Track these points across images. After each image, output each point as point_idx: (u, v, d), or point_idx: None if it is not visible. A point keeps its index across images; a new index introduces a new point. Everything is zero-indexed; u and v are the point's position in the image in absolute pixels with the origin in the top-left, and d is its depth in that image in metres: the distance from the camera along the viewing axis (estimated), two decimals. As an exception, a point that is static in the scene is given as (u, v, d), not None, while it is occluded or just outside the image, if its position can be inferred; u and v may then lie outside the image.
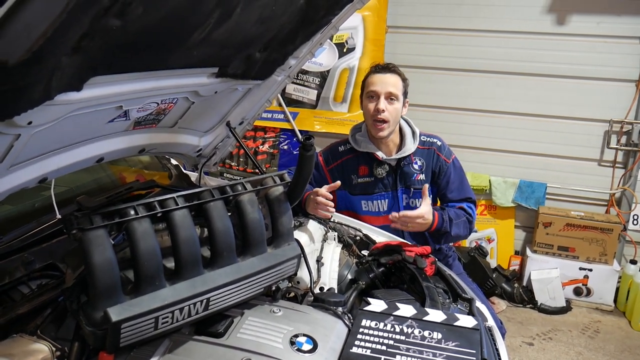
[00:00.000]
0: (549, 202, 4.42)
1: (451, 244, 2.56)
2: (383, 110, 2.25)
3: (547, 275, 4.15)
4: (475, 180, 4.45)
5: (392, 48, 4.60)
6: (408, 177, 2.38)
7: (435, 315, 1.49)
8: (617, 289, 4.16)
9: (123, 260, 1.25)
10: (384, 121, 2.26)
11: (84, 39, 0.99)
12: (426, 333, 1.41)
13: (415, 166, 2.38)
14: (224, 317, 1.41)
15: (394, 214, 2.13)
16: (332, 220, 2.16)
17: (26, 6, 0.80)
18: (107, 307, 1.17)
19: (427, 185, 2.23)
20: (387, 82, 2.28)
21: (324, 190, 2.07)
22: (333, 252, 1.93)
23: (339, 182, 2.09)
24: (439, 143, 2.42)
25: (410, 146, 2.36)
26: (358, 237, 2.14)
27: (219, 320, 1.39)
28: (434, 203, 2.45)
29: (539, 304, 4.09)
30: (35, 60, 0.90)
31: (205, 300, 1.33)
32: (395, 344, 1.37)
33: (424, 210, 2.16)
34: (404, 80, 2.34)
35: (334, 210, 2.07)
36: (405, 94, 2.34)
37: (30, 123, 1.17)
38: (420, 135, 2.41)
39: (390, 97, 2.27)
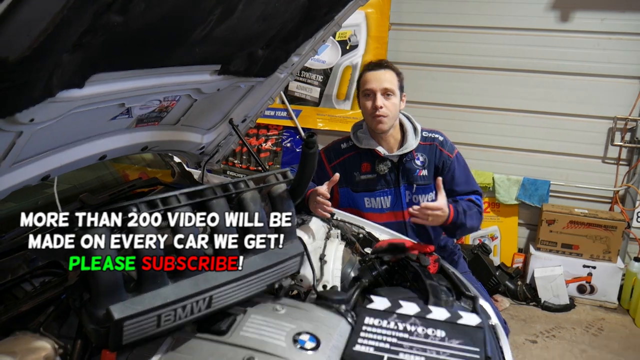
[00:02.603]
0: (552, 200, 4.41)
1: (455, 241, 2.55)
2: (381, 107, 2.25)
3: (551, 272, 4.14)
4: (479, 178, 4.43)
5: (395, 45, 4.58)
6: (410, 173, 2.37)
7: (439, 313, 1.49)
8: (621, 287, 4.15)
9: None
10: (383, 116, 2.26)
11: (85, 35, 0.99)
12: (429, 331, 1.40)
13: (418, 162, 2.37)
14: (226, 314, 1.40)
15: (415, 206, 2.11)
16: (335, 217, 2.16)
17: (27, 2, 0.79)
18: (110, 305, 1.16)
19: (440, 179, 2.21)
20: (382, 79, 2.28)
21: (322, 189, 2.06)
22: (336, 250, 1.92)
23: (337, 175, 2.07)
24: (440, 138, 2.41)
25: (412, 142, 2.35)
26: (361, 235, 2.14)
27: (222, 318, 1.38)
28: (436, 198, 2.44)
29: (542, 301, 4.08)
30: (36, 57, 0.90)
31: (208, 298, 1.32)
32: (398, 341, 1.36)
33: (442, 202, 2.14)
34: (399, 74, 2.34)
35: (331, 209, 2.06)
36: (401, 88, 2.34)
37: (32, 120, 1.17)
38: (422, 131, 2.40)
39: (387, 93, 2.27)
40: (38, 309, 1.37)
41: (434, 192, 2.40)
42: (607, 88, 4.16)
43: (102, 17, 0.98)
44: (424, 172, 2.37)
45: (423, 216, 2.11)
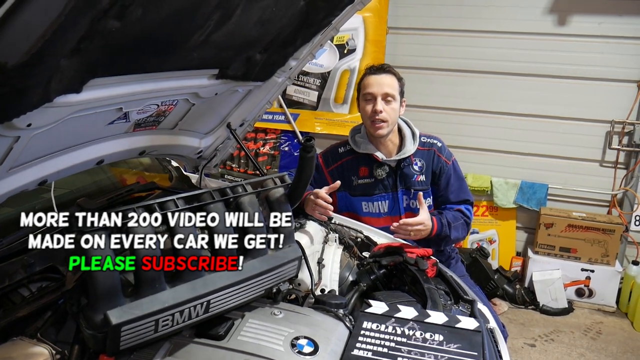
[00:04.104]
0: (550, 203, 4.41)
1: (454, 245, 2.56)
2: (381, 112, 2.25)
3: (549, 276, 4.14)
4: (477, 182, 4.45)
5: (393, 49, 4.59)
6: (408, 178, 2.37)
7: (437, 317, 1.49)
8: (619, 290, 4.15)
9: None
10: (383, 120, 2.27)
11: (83, 41, 0.99)
12: (428, 335, 1.40)
13: (416, 167, 2.38)
14: (224, 319, 1.40)
15: (395, 223, 2.12)
16: (333, 222, 2.16)
17: (25, 8, 0.80)
18: (107, 310, 1.16)
19: (421, 194, 2.23)
20: (383, 83, 2.28)
21: (323, 192, 2.06)
22: (334, 254, 1.93)
23: (338, 183, 2.09)
24: (439, 144, 2.42)
25: (410, 147, 2.35)
26: (359, 239, 2.14)
27: (220, 323, 1.38)
28: (433, 204, 2.44)
29: (540, 305, 4.08)
30: (34, 63, 0.90)
31: (205, 303, 1.32)
32: (396, 346, 1.36)
33: (423, 217, 2.16)
34: (400, 79, 2.34)
35: (332, 214, 2.06)
36: (401, 94, 2.34)
37: (29, 125, 1.17)
38: (420, 136, 2.41)
39: (387, 97, 2.27)
40: (35, 315, 1.37)
41: (431, 197, 2.41)
42: (604, 92, 4.17)
43: (99, 23, 0.98)
44: (422, 178, 2.38)
45: (404, 232, 2.12)
